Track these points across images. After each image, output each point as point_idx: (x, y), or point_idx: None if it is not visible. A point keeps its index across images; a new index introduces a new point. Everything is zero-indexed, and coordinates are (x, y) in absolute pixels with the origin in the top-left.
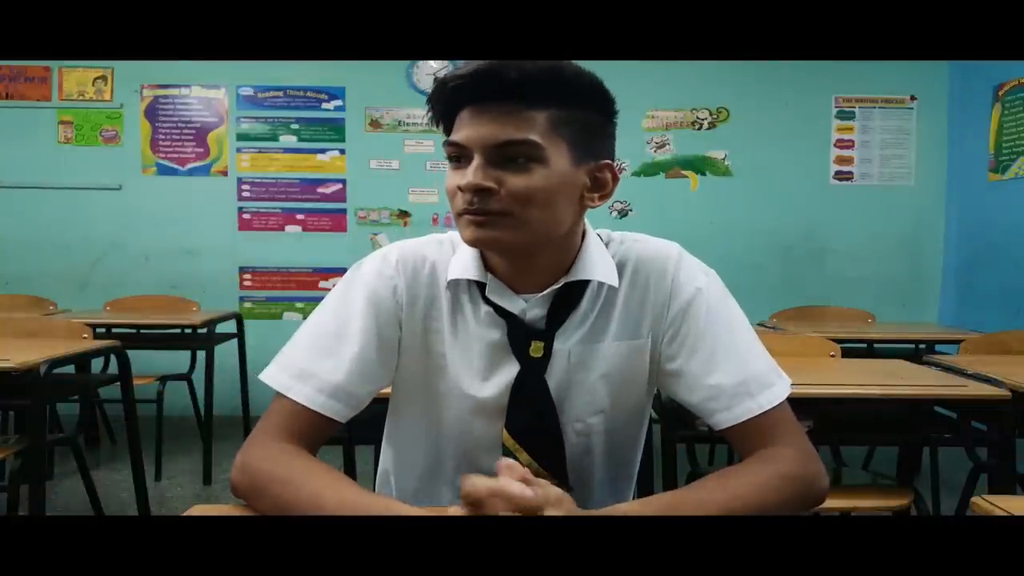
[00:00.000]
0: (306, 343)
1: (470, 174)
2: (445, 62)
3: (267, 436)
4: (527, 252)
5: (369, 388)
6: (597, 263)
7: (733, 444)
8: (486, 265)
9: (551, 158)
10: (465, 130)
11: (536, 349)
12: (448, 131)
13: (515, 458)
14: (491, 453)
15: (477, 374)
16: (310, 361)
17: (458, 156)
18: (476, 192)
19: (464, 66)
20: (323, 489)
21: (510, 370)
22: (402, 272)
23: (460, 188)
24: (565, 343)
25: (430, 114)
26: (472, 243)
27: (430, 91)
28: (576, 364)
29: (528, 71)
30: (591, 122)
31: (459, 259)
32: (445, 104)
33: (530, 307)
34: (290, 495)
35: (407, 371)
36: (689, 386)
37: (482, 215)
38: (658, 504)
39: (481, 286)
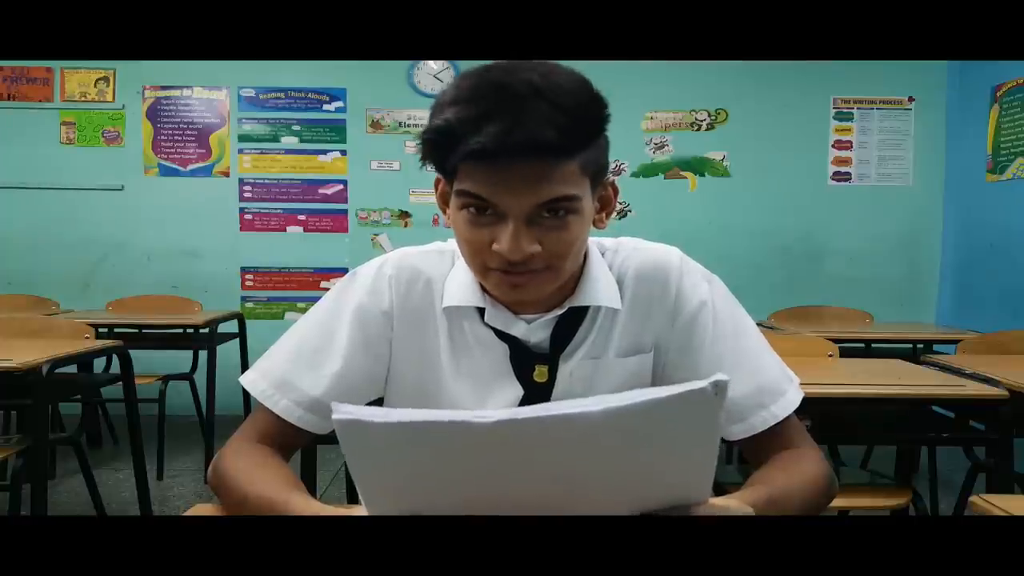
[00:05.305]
0: (289, 352)
1: (509, 240)
2: (445, 62)
3: (243, 438)
4: None
5: (352, 403)
6: (601, 287)
7: (746, 450)
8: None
9: (584, 206)
10: (491, 187)
11: (540, 374)
12: (448, 170)
13: None
14: None
15: (478, 395)
16: (290, 372)
17: (483, 207)
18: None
19: (473, 115)
20: (258, 492)
21: (511, 391)
22: (394, 288)
23: (502, 253)
24: (568, 364)
25: (422, 152)
26: (510, 302)
27: (428, 132)
28: (579, 383)
29: (563, 126)
30: (602, 146)
31: (456, 282)
32: (453, 158)
33: (532, 330)
34: (233, 496)
35: (400, 388)
36: None
37: (523, 275)
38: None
39: (480, 309)
